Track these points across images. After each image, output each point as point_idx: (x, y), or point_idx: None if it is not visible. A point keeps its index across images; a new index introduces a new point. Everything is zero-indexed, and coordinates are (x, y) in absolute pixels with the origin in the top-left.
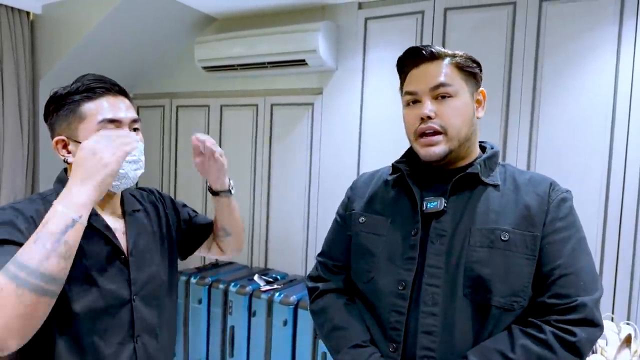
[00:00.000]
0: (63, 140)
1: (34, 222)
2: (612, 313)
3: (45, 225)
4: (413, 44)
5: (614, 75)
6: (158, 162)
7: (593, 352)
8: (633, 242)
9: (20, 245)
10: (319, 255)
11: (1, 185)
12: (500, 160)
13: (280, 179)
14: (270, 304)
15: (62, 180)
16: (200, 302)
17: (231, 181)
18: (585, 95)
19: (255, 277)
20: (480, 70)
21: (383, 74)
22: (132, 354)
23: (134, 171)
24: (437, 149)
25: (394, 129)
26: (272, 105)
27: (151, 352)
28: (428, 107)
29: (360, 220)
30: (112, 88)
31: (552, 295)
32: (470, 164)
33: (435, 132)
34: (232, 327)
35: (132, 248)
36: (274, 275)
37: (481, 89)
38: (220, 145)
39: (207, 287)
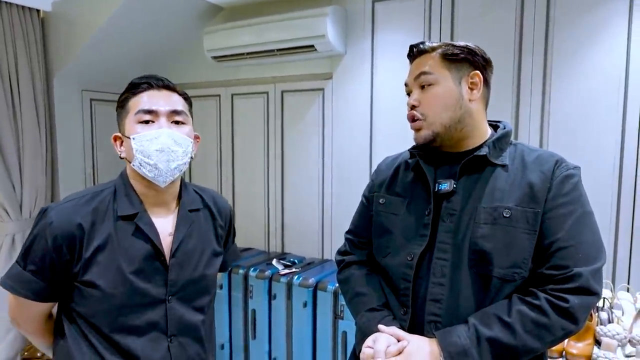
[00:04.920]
0: (119, 137)
1: (82, 229)
2: (628, 284)
3: None
4: (421, 26)
5: (626, 49)
6: None
7: (610, 322)
8: None
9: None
10: (346, 232)
11: (22, 182)
12: (512, 139)
13: (293, 165)
14: (289, 286)
15: (122, 176)
16: (221, 287)
17: None
18: (597, 70)
19: (274, 262)
20: (473, 55)
21: (392, 57)
22: (166, 352)
23: (165, 162)
24: (421, 133)
25: (405, 111)
26: (282, 92)
27: (192, 354)
28: (414, 96)
29: (380, 201)
30: (155, 83)
31: (550, 267)
32: (481, 146)
33: (415, 119)
34: (254, 311)
35: (176, 249)
36: (291, 259)
37: (475, 71)
38: (232, 134)
39: (227, 272)
